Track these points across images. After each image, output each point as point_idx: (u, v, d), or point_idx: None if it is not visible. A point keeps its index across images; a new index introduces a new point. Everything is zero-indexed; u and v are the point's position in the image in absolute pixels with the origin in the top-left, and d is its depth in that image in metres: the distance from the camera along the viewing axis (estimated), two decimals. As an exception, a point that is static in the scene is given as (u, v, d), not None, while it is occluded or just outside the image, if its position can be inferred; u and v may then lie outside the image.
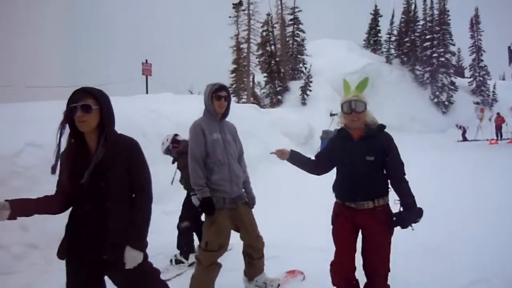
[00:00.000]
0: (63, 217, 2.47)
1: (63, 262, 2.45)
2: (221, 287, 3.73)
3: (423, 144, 22.30)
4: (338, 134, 3.17)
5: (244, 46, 38.08)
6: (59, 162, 2.28)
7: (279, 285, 3.95)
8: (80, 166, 2.22)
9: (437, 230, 5.41)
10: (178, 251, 4.93)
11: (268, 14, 37.54)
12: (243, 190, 3.82)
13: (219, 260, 3.57)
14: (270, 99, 34.85)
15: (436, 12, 43.83)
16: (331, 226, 3.15)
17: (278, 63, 35.41)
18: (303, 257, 3.48)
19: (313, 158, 3.39)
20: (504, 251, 4.57)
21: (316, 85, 33.33)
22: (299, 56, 38.07)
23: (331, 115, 28.44)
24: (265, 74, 35.53)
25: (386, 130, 3.09)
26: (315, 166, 3.32)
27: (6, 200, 2.06)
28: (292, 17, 38.72)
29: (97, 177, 2.22)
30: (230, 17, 38.22)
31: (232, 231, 3.67)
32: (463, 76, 52.16)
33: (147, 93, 19.90)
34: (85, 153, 2.28)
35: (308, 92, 33.31)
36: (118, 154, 2.29)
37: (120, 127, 2.42)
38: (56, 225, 4.30)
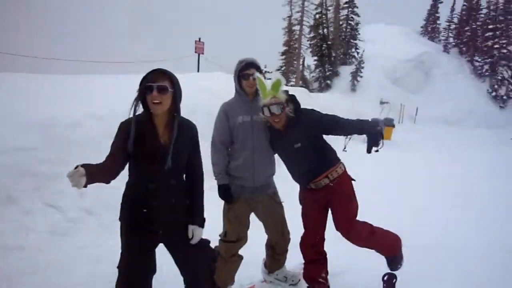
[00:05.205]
0: (117, 187, 2.58)
1: (115, 228, 2.61)
2: (242, 280, 3.62)
3: (475, 141, 21.31)
4: (269, 128, 3.30)
5: (297, 28, 37.65)
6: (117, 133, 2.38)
7: (299, 280, 3.73)
8: (151, 145, 2.33)
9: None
10: None
11: (323, -4, 36.79)
12: (270, 180, 3.49)
13: (240, 252, 3.42)
14: (319, 83, 34.39)
15: (501, 0, 41.28)
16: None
17: (330, 46, 34.72)
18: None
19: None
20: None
21: (367, 72, 32.51)
22: (352, 41, 37.17)
23: (381, 103, 27.77)
24: (315, 58, 35.00)
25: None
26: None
27: (82, 166, 2.03)
28: None
29: (167, 157, 2.33)
30: (284, -3, 37.80)
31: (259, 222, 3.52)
32: (526, 70, 49.13)
33: (198, 71, 20.14)
34: (154, 133, 2.37)
35: (358, 78, 32.58)
36: (184, 137, 2.43)
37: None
38: (111, 192, 4.52)
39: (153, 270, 2.55)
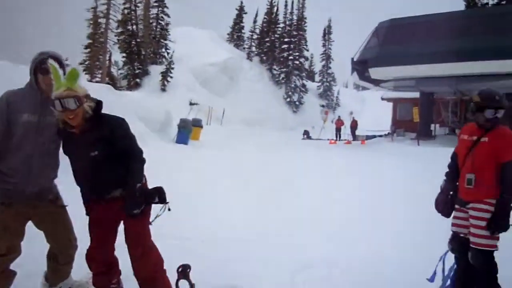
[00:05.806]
0: None
1: None
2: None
3: (274, 141, 23.68)
4: (63, 128, 2.80)
5: (102, 21, 35.51)
6: None
7: None
8: None
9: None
10: None
11: (132, -8, 35.64)
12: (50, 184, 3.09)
13: (12, 267, 2.93)
14: (127, 81, 33.15)
15: (295, 17, 46.90)
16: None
17: (139, 44, 33.85)
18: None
19: None
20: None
21: (177, 72, 32.82)
22: (162, 41, 36.98)
23: (191, 104, 28.37)
24: (124, 54, 33.64)
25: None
26: None
27: None
28: (157, -1, 37.43)
29: None
30: (88, -14, 35.31)
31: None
32: (313, 80, 56.92)
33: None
34: None
35: (168, 79, 32.59)
36: None
37: None
38: None
39: None
